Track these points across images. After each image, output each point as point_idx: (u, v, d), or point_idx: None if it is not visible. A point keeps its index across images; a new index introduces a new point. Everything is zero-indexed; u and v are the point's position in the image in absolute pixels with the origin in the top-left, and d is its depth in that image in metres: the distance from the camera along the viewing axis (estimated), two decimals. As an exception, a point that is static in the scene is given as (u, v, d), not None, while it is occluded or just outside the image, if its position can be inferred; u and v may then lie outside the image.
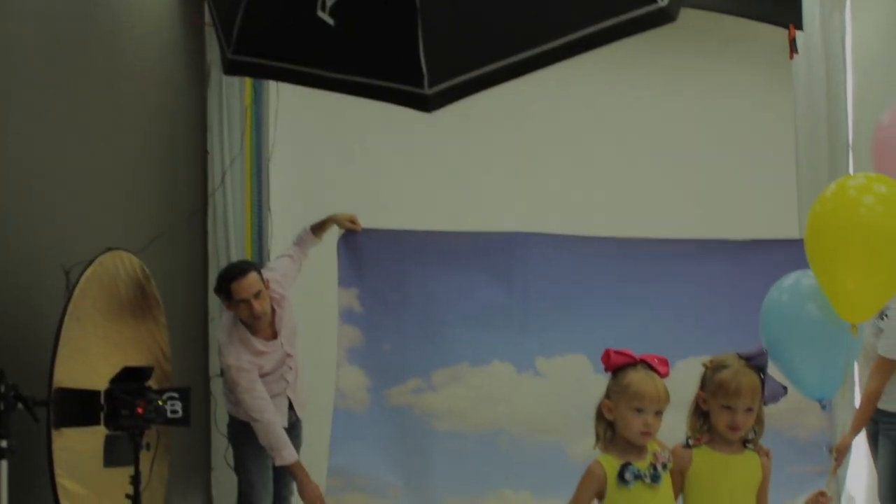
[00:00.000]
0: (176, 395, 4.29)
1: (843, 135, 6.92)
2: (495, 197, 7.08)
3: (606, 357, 3.42)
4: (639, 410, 3.28)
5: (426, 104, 3.30)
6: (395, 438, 5.30)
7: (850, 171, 6.96)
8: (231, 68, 3.83)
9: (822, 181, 7.12)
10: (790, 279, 3.84)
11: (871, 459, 5.63)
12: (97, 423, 3.98)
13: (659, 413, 3.32)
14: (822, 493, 3.58)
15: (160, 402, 4.14)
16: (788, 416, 5.01)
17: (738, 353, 3.50)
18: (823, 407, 3.88)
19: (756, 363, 3.47)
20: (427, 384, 5.30)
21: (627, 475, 3.27)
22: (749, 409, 3.41)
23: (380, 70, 3.36)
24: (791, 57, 4.78)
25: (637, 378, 3.32)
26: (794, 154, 7.03)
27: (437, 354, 5.33)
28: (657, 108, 7.43)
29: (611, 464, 3.30)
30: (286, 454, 5.02)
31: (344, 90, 3.54)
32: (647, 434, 3.31)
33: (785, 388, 3.55)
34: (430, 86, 3.18)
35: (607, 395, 3.38)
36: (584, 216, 6.60)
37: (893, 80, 6.68)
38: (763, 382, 3.45)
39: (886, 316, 4.97)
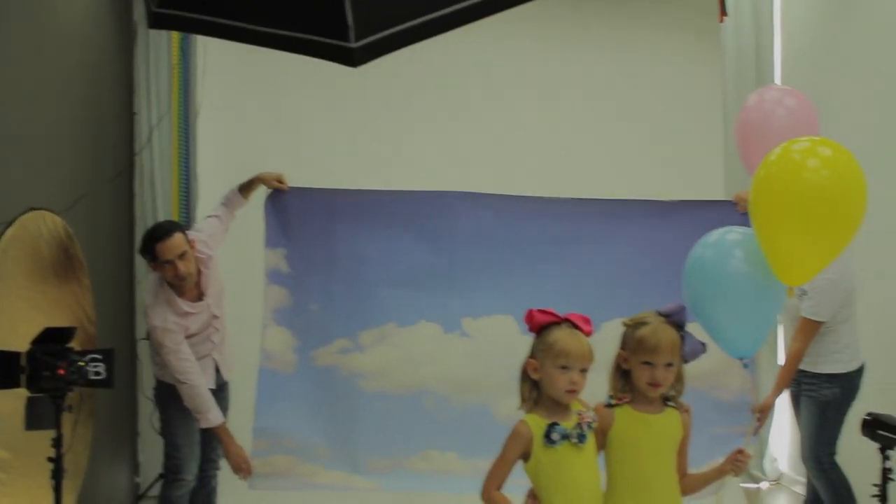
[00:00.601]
0: (99, 356, 4.24)
1: (769, 99, 6.98)
2: (424, 156, 7.08)
3: (530, 317, 3.43)
4: (564, 368, 3.29)
5: (352, 58, 3.27)
6: (321, 399, 5.27)
7: (777, 136, 7.03)
8: (155, 21, 3.77)
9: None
10: (714, 236, 3.86)
11: (793, 420, 5.73)
12: (18, 385, 3.91)
13: (584, 371, 3.34)
14: (740, 451, 3.61)
15: (82, 364, 4.09)
16: (711, 376, 5.06)
17: (657, 311, 3.53)
18: (745, 365, 3.91)
19: (675, 319, 3.50)
20: (354, 344, 5.27)
21: (554, 435, 3.28)
22: (669, 365, 3.44)
23: (305, 23, 3.32)
24: (720, 19, 4.81)
25: (562, 336, 3.33)
26: (721, 117, 7.09)
27: (364, 315, 5.29)
28: (586, 70, 7.47)
29: (537, 424, 3.31)
30: (211, 416, 4.99)
31: (268, 44, 3.50)
32: (573, 392, 3.33)
33: (704, 345, 3.57)
34: (356, 39, 3.16)
35: (532, 355, 3.39)
36: (513, 176, 6.61)
37: (821, 45, 6.75)
38: (683, 339, 3.48)
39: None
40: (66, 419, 4.08)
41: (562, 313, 3.42)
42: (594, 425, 3.39)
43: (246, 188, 5.37)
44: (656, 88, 7.51)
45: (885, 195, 5.68)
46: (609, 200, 5.44)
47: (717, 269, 3.75)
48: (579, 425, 3.33)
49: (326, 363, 5.28)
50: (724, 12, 4.66)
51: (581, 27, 7.38)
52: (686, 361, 3.53)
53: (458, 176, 6.17)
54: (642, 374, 3.44)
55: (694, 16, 7.05)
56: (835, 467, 5.27)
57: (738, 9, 7.00)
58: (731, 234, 3.84)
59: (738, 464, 3.60)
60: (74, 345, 4.15)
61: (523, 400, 3.41)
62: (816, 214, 3.51)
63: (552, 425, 3.29)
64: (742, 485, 6.99)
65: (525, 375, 3.40)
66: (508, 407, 3.55)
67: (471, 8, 3.18)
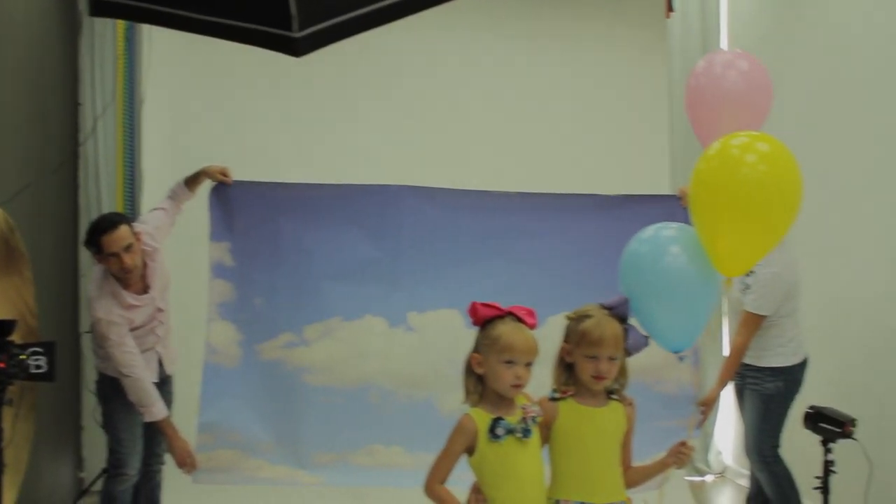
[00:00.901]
0: (40, 349, 4.20)
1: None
2: (370, 149, 7.06)
3: (473, 310, 3.41)
4: (509, 363, 3.28)
5: (295, 48, 3.25)
6: (266, 393, 5.24)
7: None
8: (96, 9, 3.73)
9: (694, 139, 7.24)
10: (649, 231, 3.87)
11: (738, 413, 5.78)
12: (-43, 378, 3.86)
13: (529, 365, 3.33)
14: (683, 443, 3.63)
15: (23, 357, 4.05)
16: (656, 370, 5.08)
17: (600, 304, 3.54)
18: (681, 359, 3.93)
19: (618, 312, 3.51)
20: (299, 339, 5.24)
21: (499, 430, 3.27)
22: (612, 358, 3.45)
23: (248, 12, 3.28)
24: (667, 15, 4.80)
25: (506, 330, 3.32)
26: (667, 112, 7.13)
27: (309, 309, 5.26)
28: (533, 63, 7.48)
29: (482, 418, 3.30)
30: (155, 410, 4.94)
31: (211, 33, 3.47)
32: (518, 386, 3.32)
33: (647, 338, 3.60)
34: (300, 29, 3.13)
35: (476, 349, 3.37)
36: (460, 169, 6.60)
37: (767, 40, 6.80)
38: (626, 332, 3.50)
39: (753, 272, 5.09)
40: (7, 413, 4.02)
41: (506, 307, 3.42)
42: (539, 420, 3.39)
43: (192, 181, 5.32)
44: (603, 82, 7.53)
45: (827, 189, 5.76)
46: (555, 195, 5.45)
47: (652, 264, 3.76)
48: (524, 420, 3.33)
49: (271, 357, 5.25)
50: (670, 8, 4.67)
51: (528, 19, 7.39)
52: (629, 354, 3.55)
53: (405, 169, 6.17)
54: (586, 368, 3.44)
55: (641, 10, 7.07)
56: (778, 460, 5.32)
57: (685, 4, 7.04)
58: (666, 229, 3.86)
59: (681, 456, 3.62)
60: (15, 338, 4.09)
61: (468, 394, 3.39)
62: (754, 207, 3.55)
63: (497, 420, 3.28)
64: (687, 478, 7.04)
65: (469, 370, 3.38)
66: (454, 401, 3.53)
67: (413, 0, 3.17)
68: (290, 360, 5.25)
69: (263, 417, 5.22)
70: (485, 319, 3.39)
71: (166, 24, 3.90)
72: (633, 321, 3.59)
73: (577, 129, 7.34)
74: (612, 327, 3.46)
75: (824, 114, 6.16)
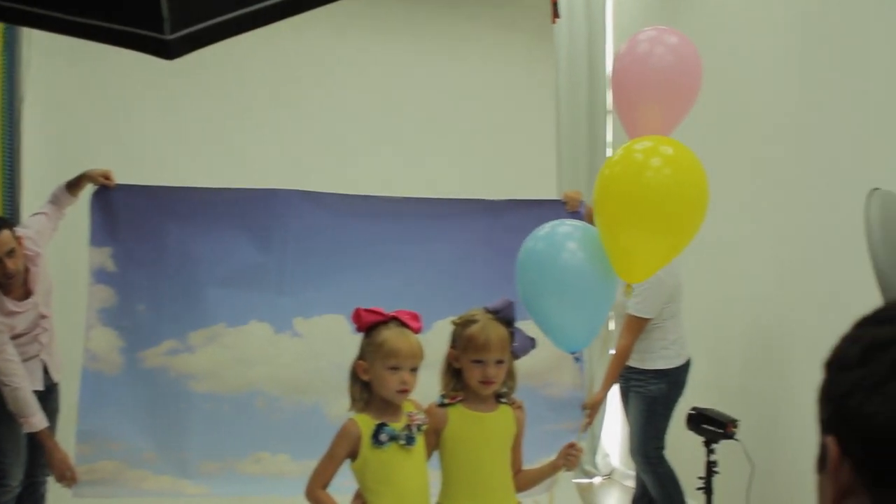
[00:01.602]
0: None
1: (602, 100, 7.11)
2: (255, 153, 6.99)
3: (357, 316, 3.41)
4: (394, 368, 3.28)
5: (167, 50, 3.17)
6: (149, 402, 5.12)
7: (609, 136, 7.17)
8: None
9: (581, 145, 7.33)
10: (546, 228, 3.84)
11: (623, 415, 5.84)
12: None
13: (414, 370, 3.34)
14: (572, 445, 3.66)
15: None
16: (544, 373, 5.11)
17: (484, 308, 3.55)
18: (577, 359, 3.95)
19: (503, 316, 3.52)
20: (183, 345, 5.14)
21: (382, 436, 3.27)
22: (499, 362, 3.46)
23: (118, 13, 3.20)
24: (553, 21, 4.81)
25: (390, 335, 3.31)
26: (555, 116, 7.19)
27: (193, 315, 5.17)
28: (422, 67, 7.49)
29: (366, 423, 3.29)
30: (34, 421, 4.82)
31: (80, 34, 3.36)
32: (404, 392, 3.32)
33: (533, 341, 3.60)
34: (172, 31, 3.06)
35: (361, 356, 3.36)
36: (346, 174, 6.58)
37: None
38: (512, 335, 3.50)
39: (636, 276, 5.14)
40: None
41: (391, 311, 3.41)
42: (424, 428, 3.39)
43: (74, 185, 5.20)
44: (492, 87, 7.57)
45: (715, 190, 5.84)
46: (442, 199, 5.45)
47: (549, 262, 3.74)
48: (408, 427, 3.33)
49: (155, 364, 5.14)
50: (556, 14, 4.68)
51: (417, 24, 7.39)
52: (516, 357, 3.56)
53: (290, 174, 6.13)
54: (474, 373, 3.45)
55: (528, 16, 7.11)
56: (662, 461, 5.38)
57: (571, 9, 7.10)
58: (563, 226, 3.86)
59: (570, 458, 3.65)
60: None
61: (354, 401, 3.39)
62: (659, 213, 3.53)
63: (380, 426, 3.28)
64: (575, 480, 7.10)
65: (355, 377, 3.38)
66: (341, 407, 3.52)
67: (291, 2, 3.11)
68: (174, 367, 5.15)
69: (146, 426, 5.11)
70: (369, 325, 3.38)
71: (33, 25, 3.79)
72: (520, 324, 3.60)
73: (465, 134, 7.36)
74: (497, 331, 3.47)
75: (706, 113, 6.24)
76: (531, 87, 7.49)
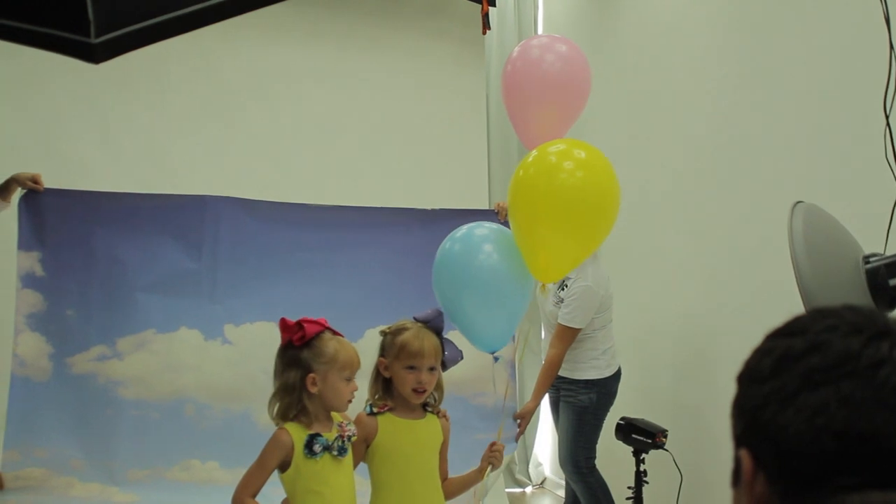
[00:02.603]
0: None
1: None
2: (186, 159, 6.91)
3: (288, 326, 3.38)
4: (348, 379, 3.31)
5: (92, 54, 3.15)
6: (77, 408, 5.07)
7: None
8: None
9: (512, 154, 7.37)
10: (462, 230, 3.87)
11: (553, 425, 5.86)
12: None
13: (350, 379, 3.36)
14: (492, 444, 3.69)
15: None
16: (475, 383, 5.13)
17: (414, 317, 3.56)
18: (496, 359, 3.96)
19: (433, 325, 3.54)
20: (112, 351, 5.10)
21: (316, 446, 3.26)
22: (432, 369, 3.49)
23: (43, 16, 3.17)
24: (484, 32, 4.83)
25: (339, 345, 3.34)
26: (485, 126, 7.22)
27: (122, 321, 5.13)
28: (353, 75, 7.46)
29: (298, 433, 3.28)
30: (-41, 428, 4.76)
31: (3, 37, 3.32)
32: (348, 401, 3.35)
33: (461, 353, 3.62)
34: (97, 35, 3.04)
35: (309, 369, 3.32)
36: (278, 181, 6.55)
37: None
38: (442, 346, 3.52)
39: (566, 286, 5.17)
40: None
41: (327, 321, 3.43)
42: (353, 439, 3.40)
43: (3, 190, 5.12)
44: (423, 96, 7.56)
45: (638, 201, 5.90)
46: (373, 208, 5.46)
47: (465, 262, 3.77)
48: (340, 437, 3.33)
49: (83, 370, 5.09)
50: (486, 26, 4.68)
51: (348, 30, 7.36)
52: (445, 368, 3.58)
53: (221, 180, 6.09)
54: (407, 380, 3.46)
55: (460, 25, 7.14)
56: (593, 471, 5.40)
57: (502, 19, 7.16)
58: (479, 228, 3.88)
59: (493, 456, 3.67)
60: None
61: (282, 411, 3.39)
62: (571, 214, 3.56)
63: (314, 436, 3.27)
64: (507, 490, 7.11)
65: (293, 387, 3.36)
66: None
67: (216, 7, 3.09)
68: (103, 373, 5.11)
69: (74, 433, 5.06)
70: (310, 336, 3.37)
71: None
72: (447, 335, 3.61)
73: (396, 143, 7.34)
74: (430, 339, 3.50)
75: (639, 122, 6.30)
76: (462, 97, 7.50)
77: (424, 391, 3.48)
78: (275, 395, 3.37)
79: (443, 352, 3.53)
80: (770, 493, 1.19)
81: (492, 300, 3.76)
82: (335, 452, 3.30)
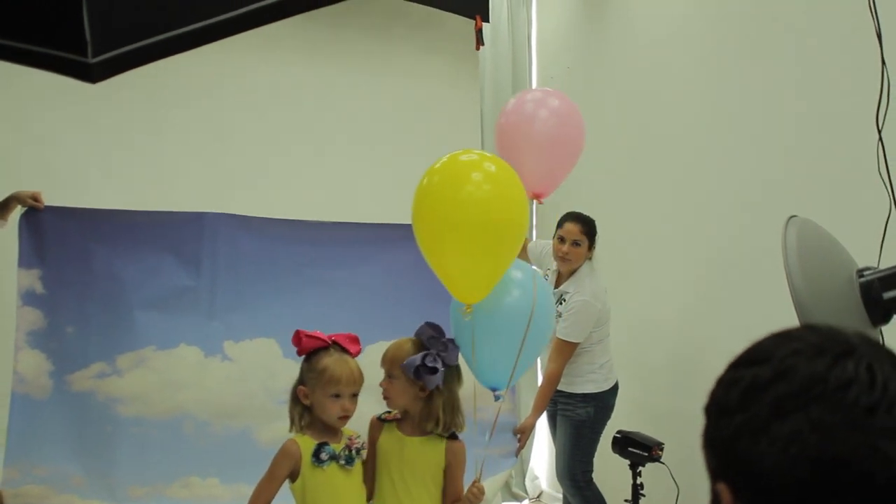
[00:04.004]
0: None
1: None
2: (184, 176, 6.94)
3: (297, 339, 3.44)
4: (336, 396, 3.33)
5: (89, 74, 3.17)
6: (76, 425, 5.06)
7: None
8: None
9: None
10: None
11: (551, 439, 5.87)
12: None
13: (355, 395, 3.39)
14: (474, 483, 3.68)
15: None
16: (477, 398, 5.12)
17: (416, 334, 3.62)
18: (496, 398, 3.92)
19: (444, 351, 3.57)
20: (112, 368, 5.10)
21: (323, 455, 3.33)
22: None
23: (41, 36, 3.18)
24: (477, 48, 4.87)
25: (331, 363, 3.37)
26: (479, 143, 7.24)
27: (122, 338, 5.13)
28: (348, 90, 7.50)
29: (306, 443, 3.36)
30: (-42, 445, 4.77)
31: (1, 56, 3.34)
32: (346, 418, 3.41)
33: (437, 371, 3.56)
34: (94, 55, 3.06)
35: (302, 381, 3.40)
36: (276, 198, 6.55)
37: (574, 74, 6.97)
38: (423, 358, 3.54)
39: (564, 300, 5.19)
40: None
41: (329, 334, 3.46)
42: (363, 452, 3.44)
43: (2, 208, 5.14)
44: (417, 112, 7.59)
45: (633, 214, 5.91)
46: (369, 224, 5.47)
47: (495, 307, 3.64)
48: (348, 448, 3.37)
49: (83, 388, 5.09)
50: (480, 41, 4.71)
51: (344, 47, 7.40)
52: (425, 389, 3.54)
53: (219, 197, 6.10)
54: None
55: (454, 42, 7.16)
56: (590, 485, 5.40)
57: (496, 36, 7.18)
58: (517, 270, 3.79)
59: (473, 494, 3.65)
60: None
61: (293, 423, 3.44)
62: (477, 229, 3.35)
63: (322, 444, 3.36)
64: (504, 503, 7.12)
65: (296, 400, 3.43)
66: (270, 431, 3.58)
67: (214, 26, 3.12)
68: (102, 390, 5.11)
69: (74, 450, 5.06)
70: (308, 350, 3.42)
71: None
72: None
73: (393, 158, 7.36)
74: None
75: (627, 133, 6.32)
76: (457, 112, 7.52)
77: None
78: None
79: (422, 369, 3.52)
80: None
81: (513, 348, 3.70)
82: (343, 462, 3.36)
